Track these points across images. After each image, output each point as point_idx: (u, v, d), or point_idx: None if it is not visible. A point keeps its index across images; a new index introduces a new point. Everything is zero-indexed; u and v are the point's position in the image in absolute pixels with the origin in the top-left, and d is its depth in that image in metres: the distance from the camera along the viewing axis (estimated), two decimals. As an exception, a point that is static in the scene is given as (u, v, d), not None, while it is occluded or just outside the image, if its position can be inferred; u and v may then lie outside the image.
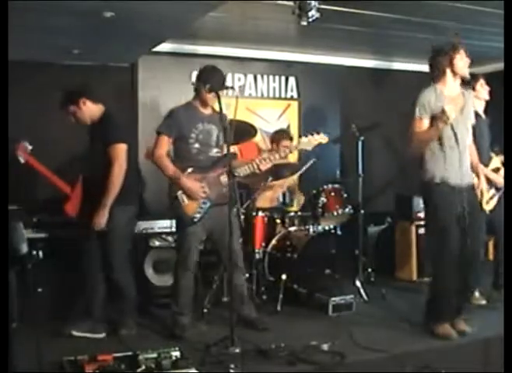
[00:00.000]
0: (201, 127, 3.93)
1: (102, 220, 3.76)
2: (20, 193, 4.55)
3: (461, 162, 3.80)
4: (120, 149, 3.81)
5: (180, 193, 3.86)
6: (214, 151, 4.00)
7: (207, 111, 3.99)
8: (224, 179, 3.86)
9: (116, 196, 3.77)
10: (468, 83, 4.20)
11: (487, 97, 4.65)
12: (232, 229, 3.55)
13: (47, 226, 4.39)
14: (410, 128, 3.86)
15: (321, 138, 4.29)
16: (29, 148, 4.24)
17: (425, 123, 3.81)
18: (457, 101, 3.87)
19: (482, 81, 4.64)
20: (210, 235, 4.00)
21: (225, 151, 3.93)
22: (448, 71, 3.86)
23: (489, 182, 4.57)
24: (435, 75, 3.90)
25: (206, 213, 3.88)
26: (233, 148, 4.40)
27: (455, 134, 3.77)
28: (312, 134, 4.25)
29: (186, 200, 3.86)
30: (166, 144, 3.90)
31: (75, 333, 3.83)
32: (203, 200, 3.88)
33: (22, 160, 4.21)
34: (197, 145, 3.92)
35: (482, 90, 4.64)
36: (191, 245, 3.89)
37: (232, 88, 3.95)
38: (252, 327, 4.00)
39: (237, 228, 3.92)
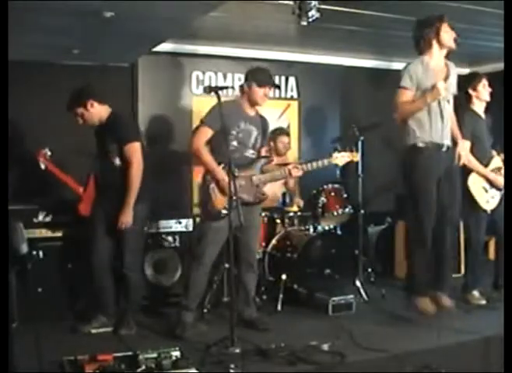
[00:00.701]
0: (243, 127, 3.94)
1: (128, 218, 3.83)
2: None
3: (443, 131, 4.00)
4: (137, 148, 3.88)
5: (212, 186, 3.88)
6: (250, 153, 4.02)
7: (251, 112, 4.02)
8: (256, 180, 3.96)
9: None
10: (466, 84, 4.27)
11: (488, 98, 4.62)
12: (254, 230, 3.85)
13: (61, 225, 4.38)
14: (395, 97, 4.00)
15: (353, 156, 4.28)
16: (49, 154, 4.34)
17: (409, 93, 3.96)
18: (442, 72, 4.02)
19: (484, 82, 4.62)
20: (234, 233, 3.98)
21: (262, 154, 4.14)
22: (434, 42, 3.97)
23: (489, 182, 4.59)
24: (421, 47, 4.03)
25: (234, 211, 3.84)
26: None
27: (440, 104, 3.95)
28: (345, 151, 4.22)
29: (218, 194, 3.88)
30: (206, 135, 3.91)
31: (93, 331, 3.92)
32: (233, 198, 3.89)
33: (42, 166, 4.30)
34: (235, 143, 3.95)
35: (484, 91, 4.61)
36: (212, 239, 3.89)
37: (278, 87, 4.03)
38: (252, 327, 4.00)
39: (259, 229, 4.09)
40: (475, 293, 4.67)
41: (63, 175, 4.34)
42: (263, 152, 4.20)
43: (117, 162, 3.90)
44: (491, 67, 6.33)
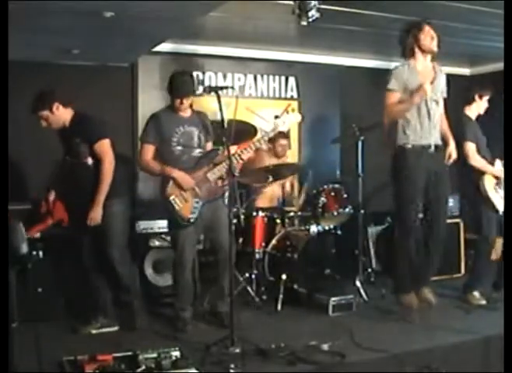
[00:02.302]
0: (182, 130, 3.98)
1: (97, 215, 3.81)
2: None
3: (430, 132, 4.11)
4: (107, 145, 3.87)
5: (172, 197, 3.91)
6: (197, 152, 4.04)
7: (185, 114, 4.03)
8: (211, 176, 3.97)
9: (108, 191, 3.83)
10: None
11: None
12: (220, 223, 3.84)
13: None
14: (384, 100, 4.14)
15: (295, 116, 4.16)
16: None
17: (396, 95, 4.09)
18: (429, 75, 4.12)
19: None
20: (205, 233, 4.08)
21: (208, 150, 4.11)
22: (416, 48, 4.08)
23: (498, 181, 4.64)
24: (405, 52, 4.14)
25: (201, 212, 3.93)
26: (232, 148, 4.38)
27: (427, 105, 4.07)
28: (288, 113, 4.14)
29: (179, 203, 3.92)
30: (150, 152, 3.99)
31: (93, 331, 3.92)
32: (195, 200, 3.93)
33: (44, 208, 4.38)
34: (179, 148, 3.99)
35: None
36: (185, 244, 3.96)
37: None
38: (220, 322, 4.02)
39: (226, 223, 3.97)
40: (476, 293, 4.67)
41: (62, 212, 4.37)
42: (209, 147, 4.18)
43: (90, 161, 3.88)
44: (491, 68, 6.33)
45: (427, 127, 4.10)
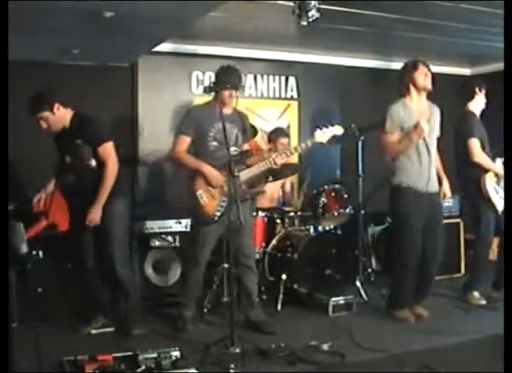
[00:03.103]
0: (220, 126, 3.84)
1: (96, 216, 3.80)
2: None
3: (429, 170, 4.20)
4: (110, 147, 3.85)
5: (200, 192, 3.89)
6: (232, 150, 3.94)
7: (227, 110, 3.98)
8: (243, 175, 3.95)
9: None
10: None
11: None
12: (247, 230, 3.85)
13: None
14: (381, 140, 4.24)
15: (335, 130, 4.17)
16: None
17: (396, 135, 4.18)
18: (425, 113, 4.22)
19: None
20: (225, 232, 3.98)
21: (243, 150, 4.11)
22: (411, 86, 4.19)
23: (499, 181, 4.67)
24: (401, 90, 4.25)
25: (226, 211, 3.86)
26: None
27: (426, 144, 4.16)
28: (327, 127, 4.15)
29: (206, 199, 3.90)
30: (184, 143, 3.96)
31: (93, 332, 3.93)
32: (222, 198, 3.90)
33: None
34: (215, 143, 3.95)
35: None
36: (206, 241, 3.95)
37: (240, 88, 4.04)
38: (259, 330, 3.97)
39: (252, 228, 4.13)
40: (476, 293, 4.68)
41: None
42: (244, 148, 4.17)
43: (93, 163, 3.84)
44: (491, 68, 6.33)
45: (424, 170, 4.17)
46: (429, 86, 4.20)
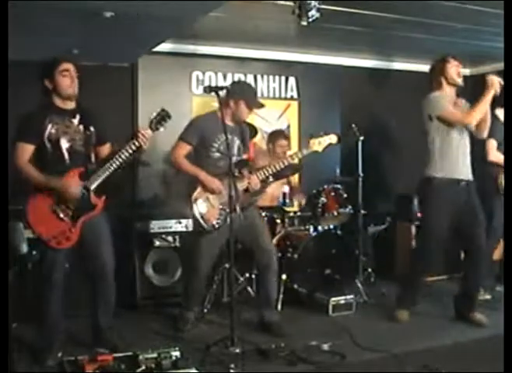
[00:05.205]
0: (224, 138, 3.79)
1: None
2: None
3: (463, 161, 4.15)
4: (108, 150, 3.73)
5: (200, 201, 3.90)
6: (234, 159, 3.96)
7: (231, 123, 4.00)
8: (240, 185, 3.92)
9: None
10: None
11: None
12: (258, 229, 3.97)
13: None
14: (451, 116, 4.08)
15: (330, 139, 4.19)
16: None
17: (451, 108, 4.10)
18: (458, 106, 4.18)
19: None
20: (238, 238, 3.93)
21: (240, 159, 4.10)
22: (442, 79, 4.16)
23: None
24: (432, 85, 4.21)
25: (226, 218, 3.84)
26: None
27: (461, 135, 4.14)
28: (321, 136, 4.16)
29: (205, 207, 3.90)
30: (184, 150, 3.98)
31: None
32: (222, 207, 3.90)
33: None
34: (217, 154, 3.97)
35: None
36: (206, 251, 3.96)
37: (263, 106, 4.15)
38: (269, 332, 3.96)
39: (265, 228, 4.13)
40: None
41: None
42: (244, 157, 4.18)
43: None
44: (491, 68, 6.33)
45: (460, 161, 4.14)
46: (460, 80, 4.17)
